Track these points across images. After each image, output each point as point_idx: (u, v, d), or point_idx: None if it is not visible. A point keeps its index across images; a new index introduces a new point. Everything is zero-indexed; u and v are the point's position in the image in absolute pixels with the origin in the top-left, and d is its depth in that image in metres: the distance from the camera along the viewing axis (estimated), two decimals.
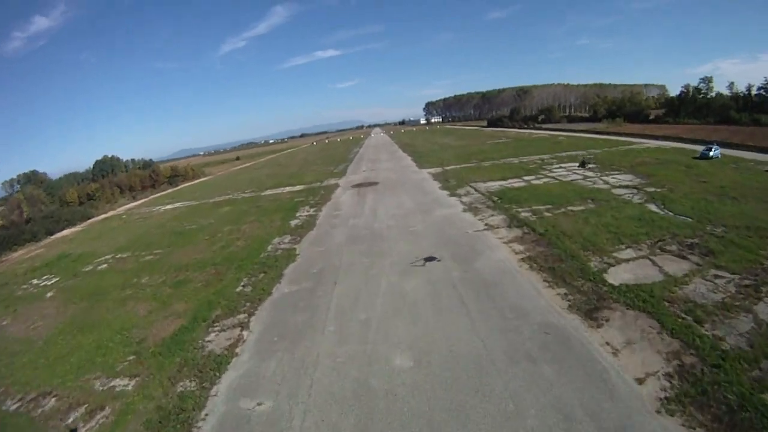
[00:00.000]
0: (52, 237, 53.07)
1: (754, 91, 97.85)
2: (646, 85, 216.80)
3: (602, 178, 38.31)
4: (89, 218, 64.86)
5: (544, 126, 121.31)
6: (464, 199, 35.71)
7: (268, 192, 57.78)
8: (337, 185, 54.60)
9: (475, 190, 38.95)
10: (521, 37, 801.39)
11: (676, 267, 18.34)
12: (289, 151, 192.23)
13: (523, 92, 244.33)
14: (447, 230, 27.03)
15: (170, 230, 41.18)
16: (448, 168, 56.63)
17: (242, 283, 22.83)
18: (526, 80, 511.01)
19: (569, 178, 39.53)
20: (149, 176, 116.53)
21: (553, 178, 40.59)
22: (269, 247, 28.84)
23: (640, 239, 21.94)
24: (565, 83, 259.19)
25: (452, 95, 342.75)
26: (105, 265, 31.82)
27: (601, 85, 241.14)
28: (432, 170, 56.44)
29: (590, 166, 45.09)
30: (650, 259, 19.57)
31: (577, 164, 46.74)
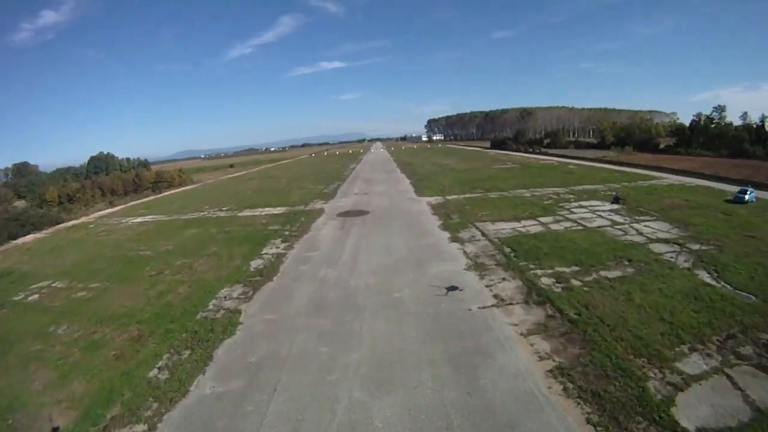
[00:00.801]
0: (12, 243, 48.92)
1: None
2: (650, 112, 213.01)
3: (633, 225, 32.34)
4: (58, 223, 60.11)
5: (550, 151, 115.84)
6: (468, 247, 29.32)
7: (246, 212, 51.57)
8: (322, 211, 48.40)
9: (482, 233, 32.68)
10: (525, 58, 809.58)
11: (763, 392, 12.83)
12: (285, 161, 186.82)
13: (527, 113, 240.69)
14: (444, 305, 20.42)
15: (122, 255, 36.35)
16: (450, 197, 50.59)
17: (159, 363, 17.10)
18: (530, 101, 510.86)
19: (595, 224, 33.45)
20: (133, 180, 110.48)
21: (575, 222, 34.48)
22: (212, 303, 22.71)
23: (704, 334, 16.31)
24: (570, 106, 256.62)
25: (455, 113, 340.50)
26: (36, 296, 27.86)
27: (605, 110, 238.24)
28: (432, 199, 50.37)
29: (621, 205, 39.29)
30: (727, 376, 13.89)
31: (609, 202, 42.12)
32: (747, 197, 40.19)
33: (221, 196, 73.39)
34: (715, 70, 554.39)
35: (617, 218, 34.91)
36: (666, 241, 28.08)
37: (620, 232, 30.67)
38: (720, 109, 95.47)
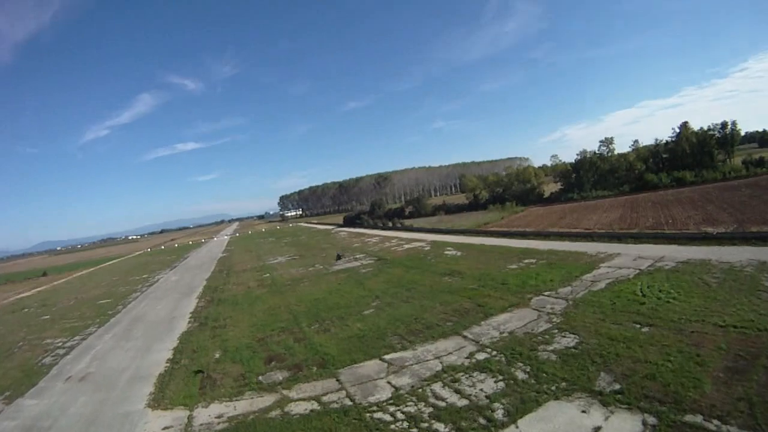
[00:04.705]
0: None
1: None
2: (509, 159, 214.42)
3: None
4: None
5: (415, 224, 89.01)
6: None
7: None
8: None
9: None
10: (378, 124, 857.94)
11: None
12: (110, 263, 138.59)
13: (382, 179, 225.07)
14: None
15: None
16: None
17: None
18: (386, 167, 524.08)
19: None
20: None
21: None
22: None
23: None
24: (426, 166, 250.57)
25: (307, 187, 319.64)
26: None
27: (464, 165, 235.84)
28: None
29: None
30: None
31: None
32: None
33: None
34: (559, 112, 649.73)
35: None
36: None
37: None
38: (607, 141, 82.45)
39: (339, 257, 60.68)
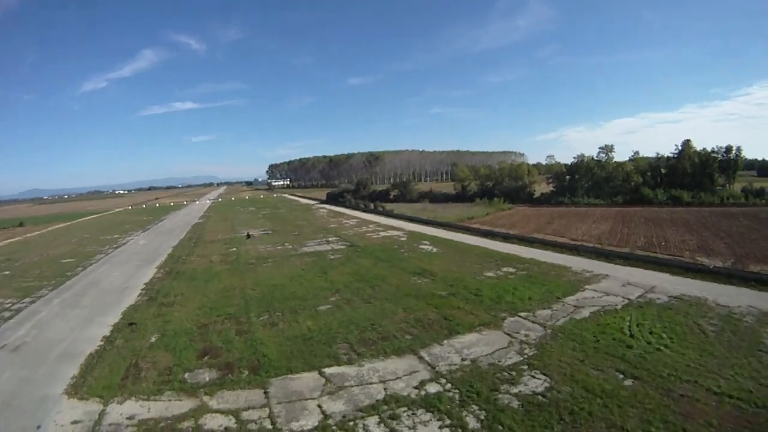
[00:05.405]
0: None
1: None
2: (504, 153, 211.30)
3: None
4: None
5: (396, 209, 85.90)
6: None
7: None
8: None
9: None
10: (378, 103, 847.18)
11: None
12: (88, 219, 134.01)
13: (373, 158, 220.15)
14: None
15: None
16: None
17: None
18: (380, 146, 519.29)
19: None
20: None
21: None
22: None
23: None
24: (420, 150, 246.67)
25: (297, 158, 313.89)
26: None
27: (458, 153, 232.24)
28: None
29: None
30: None
31: None
32: None
33: None
34: (559, 112, 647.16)
35: None
36: None
37: None
38: (607, 149, 78.75)
39: (248, 236, 61.76)
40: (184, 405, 16.31)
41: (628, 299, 25.39)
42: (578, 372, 17.09)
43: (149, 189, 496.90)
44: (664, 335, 19.72)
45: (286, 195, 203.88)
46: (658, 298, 25.15)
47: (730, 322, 20.93)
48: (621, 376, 16.73)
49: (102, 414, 16.00)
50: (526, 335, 21.13)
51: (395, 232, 59.99)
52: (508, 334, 21.49)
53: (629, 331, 20.43)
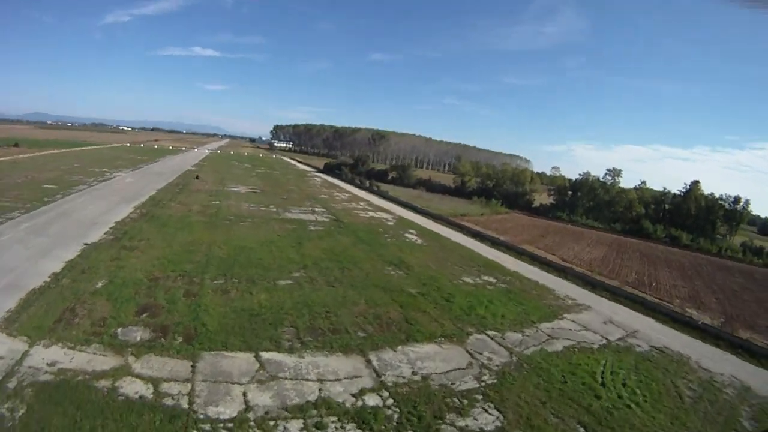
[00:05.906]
0: None
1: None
2: (510, 155, 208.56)
3: None
4: None
5: (391, 192, 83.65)
6: None
7: None
8: None
9: None
10: (395, 83, 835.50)
11: None
12: (83, 149, 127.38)
13: (379, 136, 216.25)
14: None
15: None
16: None
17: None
18: (388, 125, 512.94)
19: None
20: None
21: None
22: None
23: None
24: (427, 137, 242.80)
25: (303, 123, 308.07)
26: None
27: (464, 146, 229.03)
28: None
29: None
30: None
31: None
32: None
33: None
34: (572, 126, 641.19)
35: None
36: None
37: None
38: (615, 172, 76.63)
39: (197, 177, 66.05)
40: (108, 362, 15.07)
41: (607, 339, 23.56)
42: (536, 416, 15.22)
43: (153, 129, 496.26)
44: (638, 391, 17.86)
45: (285, 158, 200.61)
46: (639, 346, 23.32)
47: (710, 390, 19.14)
48: (582, 430, 14.84)
49: (25, 354, 14.87)
50: (489, 359, 19.24)
51: (384, 215, 57.88)
52: (470, 353, 19.60)
53: (601, 378, 18.57)
